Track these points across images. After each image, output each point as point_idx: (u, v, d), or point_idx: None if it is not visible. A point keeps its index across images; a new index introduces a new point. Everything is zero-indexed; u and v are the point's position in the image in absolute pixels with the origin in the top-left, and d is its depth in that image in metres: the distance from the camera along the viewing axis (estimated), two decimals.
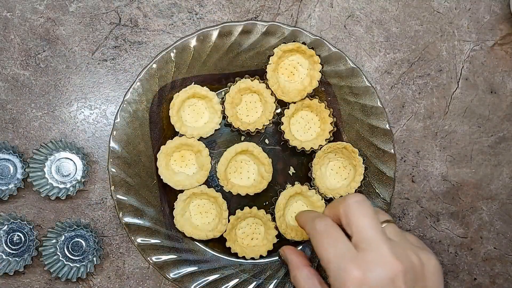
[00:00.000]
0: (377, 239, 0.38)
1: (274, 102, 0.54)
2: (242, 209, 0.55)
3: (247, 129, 0.54)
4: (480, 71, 0.59)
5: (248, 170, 0.55)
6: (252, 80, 0.54)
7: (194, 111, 0.55)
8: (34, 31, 0.57)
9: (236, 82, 0.54)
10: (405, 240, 0.41)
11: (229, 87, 0.54)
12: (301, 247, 0.55)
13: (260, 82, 0.54)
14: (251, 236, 0.55)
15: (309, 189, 0.54)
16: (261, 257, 0.54)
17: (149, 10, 0.57)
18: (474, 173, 0.59)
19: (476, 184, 0.59)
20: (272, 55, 0.53)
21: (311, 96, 0.54)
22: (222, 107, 0.54)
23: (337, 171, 0.56)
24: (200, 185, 0.54)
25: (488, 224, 0.59)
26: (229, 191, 0.54)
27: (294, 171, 0.56)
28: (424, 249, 0.41)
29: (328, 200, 0.54)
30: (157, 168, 0.53)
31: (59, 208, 0.56)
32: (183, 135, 0.54)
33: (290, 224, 0.55)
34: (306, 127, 0.56)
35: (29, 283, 0.56)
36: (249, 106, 0.55)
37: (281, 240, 0.54)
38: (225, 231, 0.54)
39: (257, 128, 0.54)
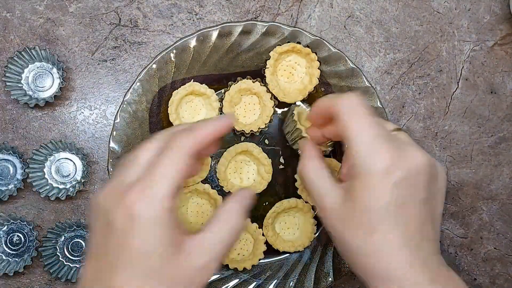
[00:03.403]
0: (400, 139, 0.39)
1: (273, 107, 0.54)
2: None
3: (242, 130, 0.54)
4: (480, 71, 0.59)
5: (248, 170, 0.55)
6: (253, 82, 0.54)
7: (191, 107, 0.55)
8: (34, 31, 0.57)
9: (238, 81, 0.54)
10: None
11: (230, 86, 0.54)
12: (295, 255, 0.55)
13: (261, 85, 0.54)
14: (238, 251, 0.54)
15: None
16: (264, 257, 0.54)
17: (149, 10, 0.57)
18: (474, 173, 0.59)
19: (476, 184, 0.59)
20: (269, 59, 0.53)
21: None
22: (220, 105, 0.54)
23: None
24: (205, 184, 0.54)
25: (488, 224, 0.59)
26: (229, 191, 0.54)
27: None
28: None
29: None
30: None
31: (59, 209, 0.56)
32: None
33: (279, 236, 0.55)
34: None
35: (29, 284, 0.56)
36: (248, 107, 0.55)
37: (269, 254, 0.55)
38: None
39: (252, 130, 0.54)
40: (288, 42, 0.53)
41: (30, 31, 0.57)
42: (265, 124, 0.54)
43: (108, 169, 0.52)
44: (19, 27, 0.57)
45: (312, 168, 0.41)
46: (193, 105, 0.55)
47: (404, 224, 0.36)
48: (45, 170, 0.55)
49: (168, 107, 0.53)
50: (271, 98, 0.54)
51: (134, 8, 0.57)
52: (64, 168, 0.56)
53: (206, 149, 0.38)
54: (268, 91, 0.54)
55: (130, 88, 0.53)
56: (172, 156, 0.35)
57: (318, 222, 0.55)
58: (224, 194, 0.54)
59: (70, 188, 0.55)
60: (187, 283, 0.34)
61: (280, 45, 0.53)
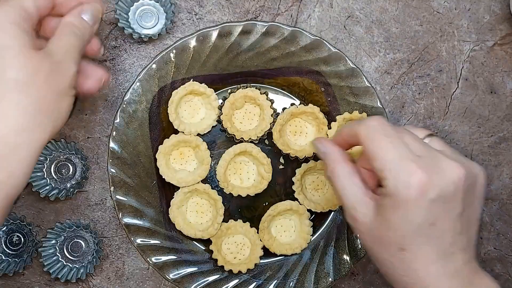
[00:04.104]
0: (433, 151, 0.38)
1: (270, 124, 0.54)
2: (241, 212, 0.55)
3: (232, 133, 0.54)
4: (480, 71, 0.59)
5: (247, 171, 0.55)
6: (261, 93, 0.54)
7: (190, 107, 0.55)
8: None
9: (247, 87, 0.54)
10: (455, 150, 0.40)
11: (237, 89, 0.54)
12: (292, 257, 0.55)
13: (267, 99, 0.54)
14: (235, 255, 0.54)
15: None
16: (261, 257, 0.54)
17: None
18: None
19: None
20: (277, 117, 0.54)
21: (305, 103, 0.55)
22: (222, 103, 0.54)
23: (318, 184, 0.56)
24: (205, 184, 0.54)
25: (488, 224, 0.59)
26: (230, 193, 0.54)
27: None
28: (473, 161, 0.40)
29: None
30: (156, 169, 0.53)
31: (59, 209, 0.56)
32: (181, 132, 0.54)
33: (275, 238, 0.55)
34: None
35: (28, 284, 0.56)
36: (247, 115, 0.55)
37: (269, 254, 0.55)
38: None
39: (242, 138, 0.54)
40: (286, 42, 0.53)
41: None
42: (257, 137, 0.54)
43: (107, 169, 0.52)
44: None
45: (343, 174, 0.39)
46: (192, 105, 0.55)
47: (437, 240, 0.36)
48: (44, 170, 0.55)
49: (167, 107, 0.53)
50: (271, 115, 0.54)
51: None
52: (63, 168, 0.56)
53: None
54: (272, 107, 0.54)
55: (129, 88, 0.53)
56: None
57: (314, 223, 0.55)
58: (224, 194, 0.54)
59: (70, 188, 0.55)
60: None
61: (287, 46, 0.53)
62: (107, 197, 0.56)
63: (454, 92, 0.59)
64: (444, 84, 0.59)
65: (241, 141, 0.54)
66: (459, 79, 0.59)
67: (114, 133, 0.52)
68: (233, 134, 0.54)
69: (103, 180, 0.56)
